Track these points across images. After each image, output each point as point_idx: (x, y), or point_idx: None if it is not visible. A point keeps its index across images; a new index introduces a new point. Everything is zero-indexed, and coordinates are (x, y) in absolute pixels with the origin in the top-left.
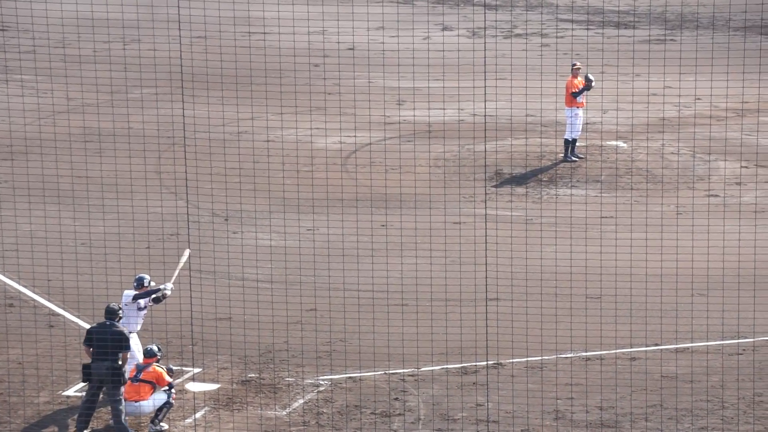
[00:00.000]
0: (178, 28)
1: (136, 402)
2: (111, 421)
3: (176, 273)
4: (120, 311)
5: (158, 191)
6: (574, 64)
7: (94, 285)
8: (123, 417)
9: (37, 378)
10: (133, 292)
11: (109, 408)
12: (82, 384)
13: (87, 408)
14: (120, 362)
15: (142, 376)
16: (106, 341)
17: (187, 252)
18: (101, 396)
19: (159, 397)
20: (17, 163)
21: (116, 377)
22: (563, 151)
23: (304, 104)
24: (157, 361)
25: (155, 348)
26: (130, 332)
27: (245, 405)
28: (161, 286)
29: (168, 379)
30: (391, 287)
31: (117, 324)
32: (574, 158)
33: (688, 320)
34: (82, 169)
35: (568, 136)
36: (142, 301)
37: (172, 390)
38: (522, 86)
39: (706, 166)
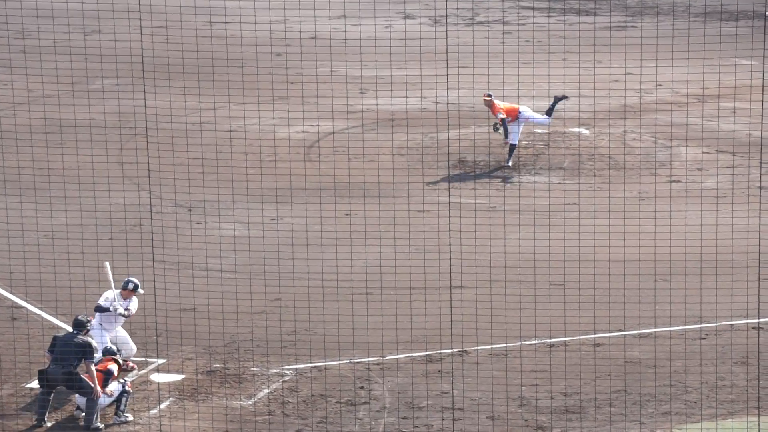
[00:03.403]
0: (139, 18)
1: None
2: (45, 422)
3: (113, 286)
4: (88, 323)
5: (121, 182)
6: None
7: (57, 277)
8: (96, 410)
9: (0, 370)
10: (113, 294)
11: (78, 403)
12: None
13: (43, 401)
14: (79, 370)
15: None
16: (68, 349)
17: (107, 264)
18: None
19: (113, 387)
20: None
21: (70, 382)
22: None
23: (267, 94)
24: (114, 361)
25: (114, 348)
26: (105, 331)
27: (210, 395)
28: (113, 306)
29: (115, 373)
30: (356, 276)
31: (83, 335)
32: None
33: (651, 306)
34: (43, 160)
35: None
36: (120, 309)
37: (126, 379)
38: (484, 74)
39: (668, 152)
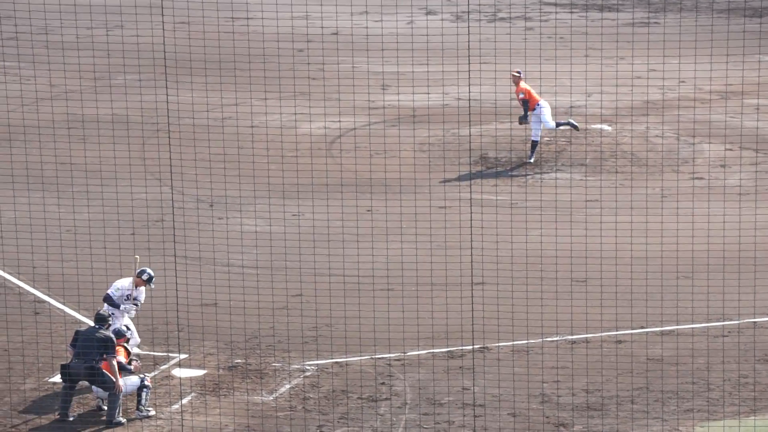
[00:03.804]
0: (161, 14)
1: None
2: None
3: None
4: (110, 318)
5: (143, 178)
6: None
7: (80, 272)
8: (118, 405)
9: (23, 365)
10: (127, 283)
11: (100, 397)
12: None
13: (66, 395)
14: (98, 363)
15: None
16: (90, 344)
17: (137, 258)
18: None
19: (131, 381)
20: (1, 150)
21: (92, 377)
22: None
23: (288, 89)
24: (126, 341)
25: (123, 329)
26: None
27: (232, 390)
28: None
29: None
30: (377, 272)
31: (105, 330)
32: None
33: (674, 303)
34: (66, 156)
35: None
36: (132, 312)
37: (146, 374)
38: (507, 70)
39: (691, 149)
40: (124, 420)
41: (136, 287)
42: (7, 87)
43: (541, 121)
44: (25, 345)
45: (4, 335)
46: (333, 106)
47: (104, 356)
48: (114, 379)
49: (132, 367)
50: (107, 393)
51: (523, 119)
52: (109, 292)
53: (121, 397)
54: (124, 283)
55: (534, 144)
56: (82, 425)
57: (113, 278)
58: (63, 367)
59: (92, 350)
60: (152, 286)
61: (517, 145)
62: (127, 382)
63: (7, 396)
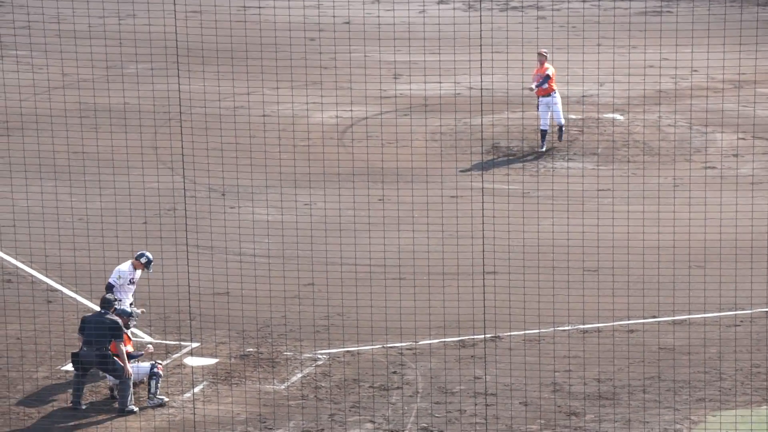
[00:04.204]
0: (173, 3)
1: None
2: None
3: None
4: (116, 302)
5: (155, 167)
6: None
7: (92, 261)
8: (129, 394)
9: (35, 353)
10: (127, 267)
11: (112, 384)
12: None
13: (78, 384)
14: (108, 350)
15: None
16: (99, 330)
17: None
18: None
19: (142, 368)
20: (13, 138)
21: (104, 365)
22: (558, 136)
23: (300, 78)
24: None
25: (128, 309)
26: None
27: (244, 379)
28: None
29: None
30: (389, 261)
31: (111, 314)
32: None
33: (686, 292)
34: (78, 144)
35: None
36: (135, 276)
37: (158, 362)
38: (518, 59)
39: (703, 138)
40: (136, 408)
41: (134, 269)
42: (20, 76)
43: (550, 111)
44: (37, 333)
45: (17, 324)
46: (345, 95)
47: (113, 341)
48: (122, 364)
49: (142, 353)
50: (118, 380)
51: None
52: (110, 280)
53: (131, 384)
54: (124, 268)
55: (544, 133)
56: (95, 413)
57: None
58: (74, 355)
59: (102, 336)
60: (151, 270)
61: (529, 135)
62: (139, 370)
63: (20, 384)
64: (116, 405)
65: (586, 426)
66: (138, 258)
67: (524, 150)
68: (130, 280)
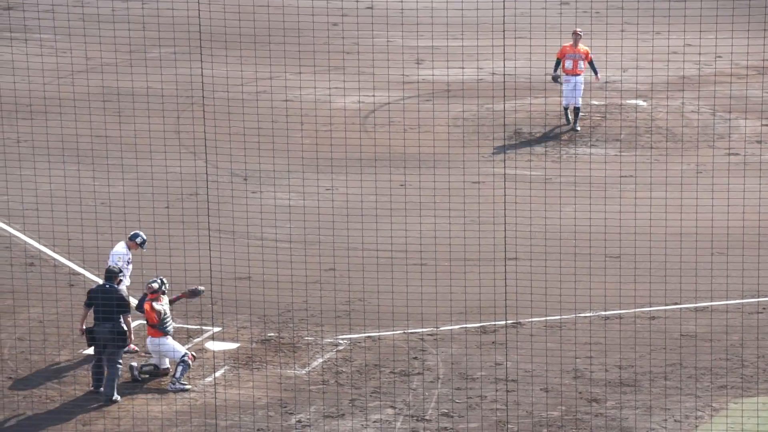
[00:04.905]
0: None
1: (161, 339)
2: (101, 389)
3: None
4: (120, 273)
5: (177, 151)
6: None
7: (114, 244)
8: (116, 383)
9: (57, 336)
10: (123, 249)
11: (106, 371)
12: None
13: (97, 368)
14: (123, 325)
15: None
16: (108, 304)
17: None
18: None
19: (177, 351)
20: (37, 122)
21: (119, 340)
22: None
23: (323, 63)
24: (163, 293)
25: (157, 283)
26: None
27: (265, 364)
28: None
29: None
30: (410, 247)
31: (117, 287)
32: (576, 127)
33: (708, 279)
34: (101, 128)
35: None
36: (129, 255)
37: (192, 353)
38: (541, 45)
39: (727, 125)
40: (119, 398)
41: (129, 249)
42: (44, 59)
43: (575, 90)
44: (60, 317)
45: (40, 307)
46: (367, 80)
47: (121, 314)
48: (130, 338)
49: (129, 349)
50: (111, 362)
51: (557, 79)
52: (110, 263)
53: (119, 373)
54: (121, 250)
55: (577, 110)
56: (120, 394)
57: (148, 251)
58: (89, 331)
59: (110, 311)
60: (145, 249)
61: (552, 120)
62: (175, 348)
63: (43, 367)
64: (142, 374)
65: (607, 413)
66: (133, 238)
67: (547, 136)
68: (127, 261)
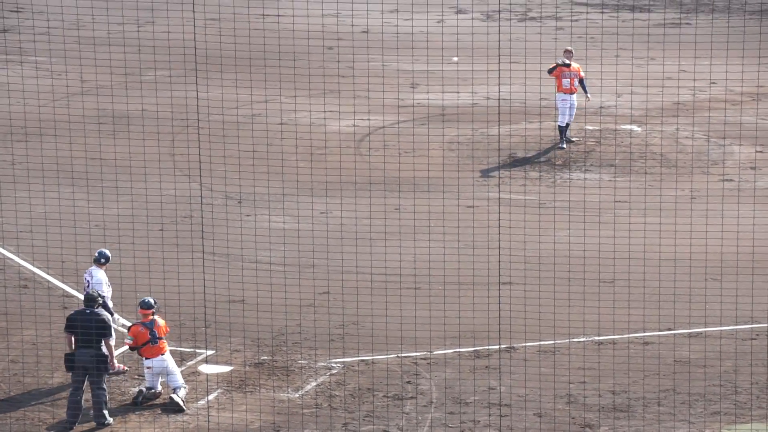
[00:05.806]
0: (192, 10)
1: (161, 356)
2: (90, 412)
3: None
4: (99, 298)
5: (172, 173)
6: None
7: (108, 267)
8: (106, 406)
9: (51, 359)
10: (100, 275)
11: (92, 396)
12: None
13: (75, 398)
14: (104, 349)
15: (158, 335)
16: (89, 329)
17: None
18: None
19: (174, 380)
20: (31, 144)
21: (101, 364)
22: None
23: (318, 87)
24: (153, 313)
25: (152, 300)
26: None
27: (258, 387)
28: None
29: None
30: (404, 270)
31: (98, 311)
32: (563, 145)
33: (702, 305)
34: (96, 151)
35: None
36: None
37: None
38: (536, 70)
39: (721, 151)
40: (111, 420)
41: (98, 267)
42: (39, 82)
43: (568, 108)
44: (53, 339)
45: (33, 329)
46: (362, 104)
47: (103, 339)
48: (113, 363)
49: (120, 369)
50: (96, 386)
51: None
52: (97, 290)
53: (107, 395)
54: (99, 276)
55: (567, 125)
56: (112, 416)
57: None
58: (68, 357)
59: (92, 335)
60: (108, 262)
61: (546, 145)
62: (176, 372)
63: (36, 389)
64: (141, 395)
65: None
66: (99, 261)
67: (541, 160)
68: (107, 284)
